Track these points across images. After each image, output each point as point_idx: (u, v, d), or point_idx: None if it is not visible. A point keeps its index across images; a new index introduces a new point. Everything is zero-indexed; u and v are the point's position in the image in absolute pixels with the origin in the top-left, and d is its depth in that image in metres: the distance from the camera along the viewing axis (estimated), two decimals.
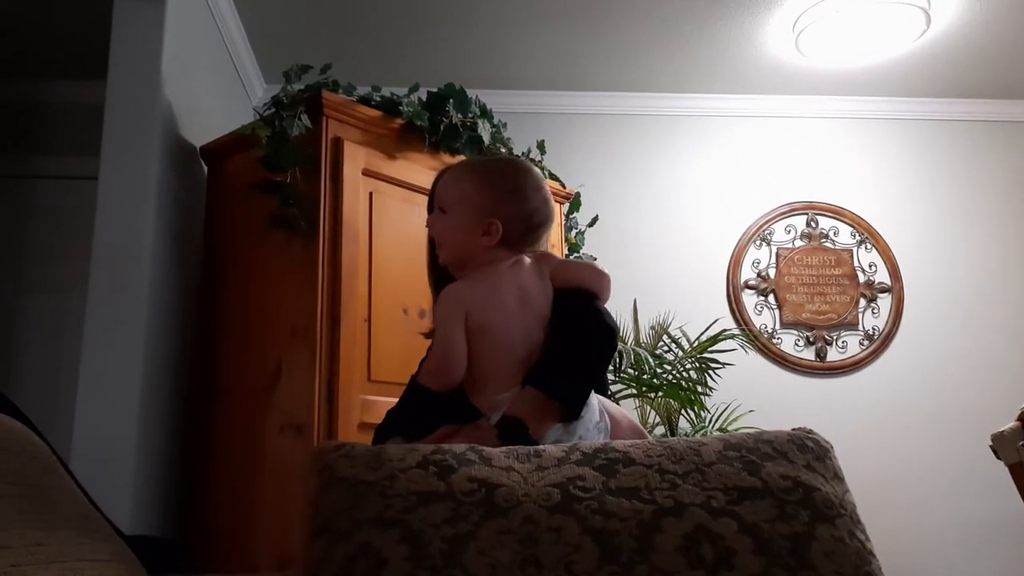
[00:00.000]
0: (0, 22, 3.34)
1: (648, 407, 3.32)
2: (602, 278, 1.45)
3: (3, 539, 0.67)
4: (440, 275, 1.59)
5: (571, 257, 3.14)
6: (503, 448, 1.09)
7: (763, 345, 3.85)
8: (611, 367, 3.13)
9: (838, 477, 1.09)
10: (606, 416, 1.38)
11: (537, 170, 1.45)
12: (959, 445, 3.74)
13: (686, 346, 3.40)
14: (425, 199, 2.73)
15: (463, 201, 1.41)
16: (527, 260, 1.42)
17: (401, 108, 2.72)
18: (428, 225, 1.49)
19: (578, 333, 1.35)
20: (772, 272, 3.98)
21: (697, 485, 1.01)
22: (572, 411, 1.30)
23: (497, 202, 1.39)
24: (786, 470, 1.05)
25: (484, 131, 2.81)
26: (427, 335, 1.67)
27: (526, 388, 1.29)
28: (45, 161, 3.69)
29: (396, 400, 2.52)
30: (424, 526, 0.94)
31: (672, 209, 4.00)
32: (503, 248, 1.38)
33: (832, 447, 1.14)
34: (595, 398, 1.37)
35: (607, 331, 1.38)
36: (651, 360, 3.20)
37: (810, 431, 1.16)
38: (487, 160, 1.50)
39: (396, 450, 1.07)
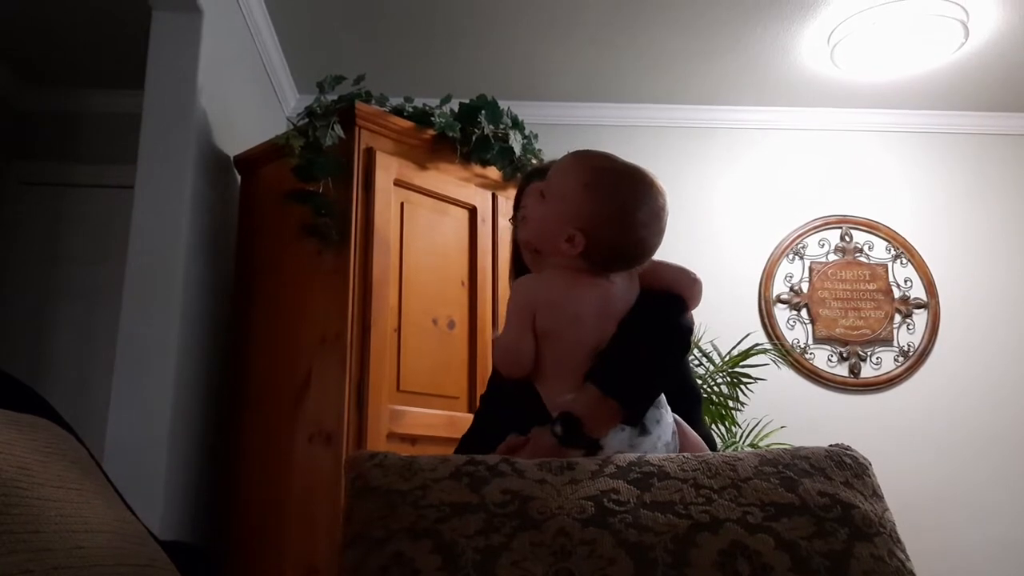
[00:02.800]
0: (39, 32, 3.40)
1: None
2: (693, 283, 1.37)
3: (45, 542, 0.67)
4: (520, 264, 1.54)
5: None
6: (536, 461, 1.08)
7: (795, 360, 3.81)
8: None
9: (877, 495, 1.07)
10: (677, 438, 1.29)
11: (662, 195, 1.28)
12: (997, 464, 3.67)
13: (717, 360, 3.37)
14: (456, 209, 2.77)
15: (562, 197, 1.26)
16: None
17: (433, 119, 2.74)
18: (529, 195, 1.38)
19: (644, 332, 1.27)
20: (805, 286, 3.94)
21: (733, 500, 0.99)
22: (632, 412, 1.23)
23: (594, 218, 1.23)
24: (824, 487, 1.03)
25: (515, 142, 2.81)
26: None
27: (586, 385, 1.22)
28: (81, 169, 3.75)
29: (424, 411, 2.54)
30: (457, 537, 0.94)
31: (704, 222, 3.97)
32: (580, 261, 1.24)
33: (871, 464, 1.13)
34: (671, 417, 1.29)
35: (678, 331, 1.32)
36: None
37: (848, 447, 1.14)
38: (609, 167, 1.28)
39: (428, 460, 1.07)
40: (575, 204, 1.24)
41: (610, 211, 1.24)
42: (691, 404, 1.50)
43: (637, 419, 1.23)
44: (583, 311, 1.25)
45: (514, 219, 1.63)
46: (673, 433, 1.28)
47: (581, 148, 1.34)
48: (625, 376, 1.23)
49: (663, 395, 1.30)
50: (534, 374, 1.27)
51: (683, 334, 1.34)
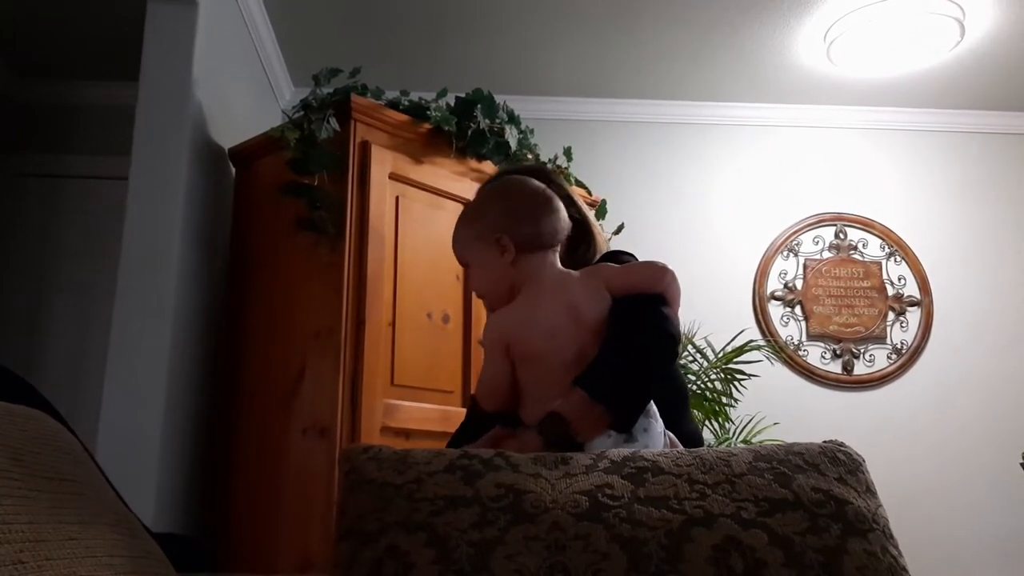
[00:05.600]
0: (34, 24, 3.39)
1: None
2: (663, 275, 1.35)
3: (37, 533, 0.67)
4: None
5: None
6: (530, 455, 1.08)
7: (789, 357, 3.82)
8: None
9: (870, 491, 1.08)
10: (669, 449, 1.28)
11: (515, 178, 1.45)
12: (988, 462, 3.68)
13: (711, 356, 3.37)
14: (451, 203, 2.77)
15: (469, 242, 1.39)
16: (575, 274, 1.36)
17: (429, 113, 2.73)
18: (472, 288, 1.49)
19: (629, 337, 1.27)
20: (799, 283, 3.94)
21: (727, 496, 0.99)
22: (620, 419, 1.23)
23: (491, 220, 1.37)
24: (817, 483, 1.03)
25: (511, 137, 2.81)
26: None
27: (573, 390, 1.23)
28: (76, 161, 3.74)
29: (418, 405, 2.54)
30: (451, 530, 0.93)
31: (699, 218, 3.98)
32: (528, 256, 1.33)
33: (864, 460, 1.13)
34: (662, 427, 1.29)
35: (664, 336, 1.31)
36: None
37: (842, 444, 1.15)
38: (471, 201, 1.48)
39: (423, 454, 1.07)
40: (480, 230, 1.37)
41: (493, 210, 1.38)
42: (679, 403, 1.50)
43: (627, 427, 1.24)
44: (556, 323, 1.28)
45: None
46: (665, 445, 1.28)
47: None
48: (614, 382, 1.24)
49: (653, 404, 1.29)
50: (518, 402, 1.30)
51: (670, 338, 1.33)
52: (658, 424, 1.29)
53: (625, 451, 1.09)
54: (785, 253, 3.97)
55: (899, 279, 3.96)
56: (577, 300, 1.30)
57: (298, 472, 2.44)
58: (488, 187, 1.47)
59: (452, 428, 1.62)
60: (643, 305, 1.32)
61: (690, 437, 1.39)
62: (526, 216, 1.36)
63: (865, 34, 3.34)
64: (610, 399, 1.23)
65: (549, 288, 1.31)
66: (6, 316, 3.56)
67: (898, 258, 3.99)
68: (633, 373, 1.27)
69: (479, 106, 2.79)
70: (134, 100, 2.58)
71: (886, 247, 4.00)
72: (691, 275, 3.84)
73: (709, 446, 3.11)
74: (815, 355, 3.86)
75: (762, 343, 3.53)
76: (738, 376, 3.25)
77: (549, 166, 2.89)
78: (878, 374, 3.84)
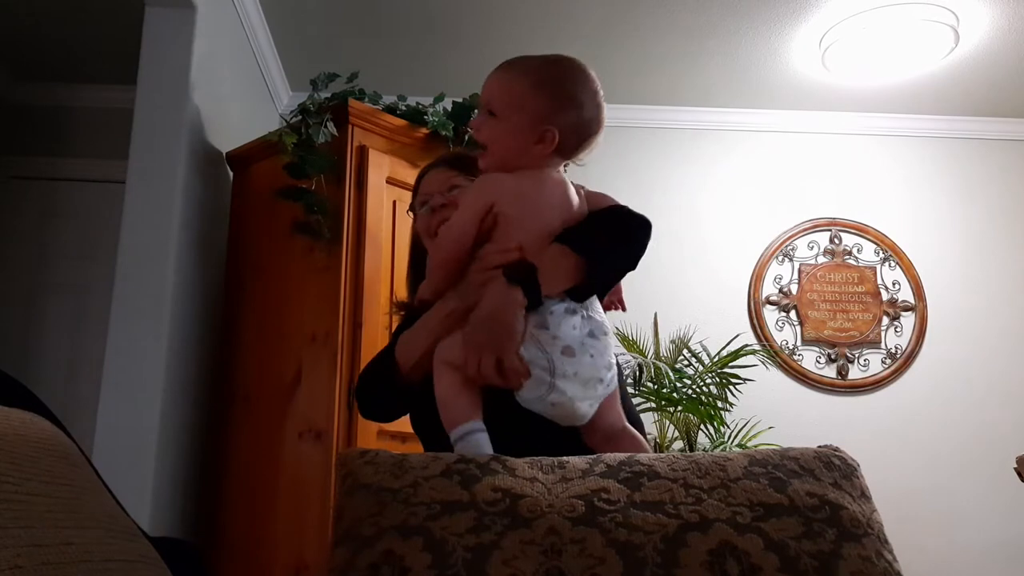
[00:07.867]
0: (32, 27, 3.38)
1: (667, 421, 3.30)
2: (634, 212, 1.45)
3: (34, 537, 0.67)
4: (419, 268, 1.56)
5: None
6: (527, 459, 1.08)
7: (784, 361, 3.82)
8: (631, 379, 3.12)
9: (865, 496, 1.08)
10: (616, 383, 1.30)
11: (592, 72, 1.34)
12: (982, 467, 3.69)
13: (706, 361, 3.38)
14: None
15: (517, 105, 1.29)
16: (568, 179, 1.39)
17: (426, 117, 2.74)
18: (474, 128, 1.36)
19: (610, 215, 1.37)
20: (794, 288, 3.95)
21: (723, 500, 0.99)
22: (588, 277, 1.26)
23: (554, 109, 1.28)
24: (812, 487, 1.04)
25: None
26: (399, 307, 1.63)
27: (552, 244, 1.27)
28: (73, 164, 3.73)
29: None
30: (447, 535, 0.94)
31: (694, 223, 3.98)
32: (554, 157, 1.31)
33: (859, 465, 1.13)
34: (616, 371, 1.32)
35: (640, 219, 1.40)
36: (671, 374, 3.18)
37: (837, 448, 1.15)
38: (542, 62, 1.34)
39: (419, 458, 1.07)
40: (534, 105, 1.29)
41: (563, 98, 1.30)
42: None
43: (586, 293, 1.27)
44: (553, 201, 1.31)
45: (414, 208, 1.65)
46: (613, 376, 1.28)
47: None
48: (592, 240, 1.29)
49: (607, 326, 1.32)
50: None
51: (645, 220, 1.40)
52: (612, 346, 1.32)
53: (621, 456, 1.09)
54: (780, 258, 3.98)
55: (893, 284, 3.97)
56: (570, 195, 1.35)
57: (294, 476, 2.43)
58: (573, 65, 1.33)
59: None
60: (615, 206, 1.41)
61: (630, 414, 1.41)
62: (586, 133, 1.32)
63: (860, 40, 3.36)
64: (586, 251, 1.27)
65: (552, 178, 1.33)
66: (2, 318, 3.56)
67: (892, 263, 4.00)
68: (608, 237, 1.32)
69: (476, 111, 2.80)
70: (131, 104, 2.58)
71: (880, 252, 4.01)
72: (686, 280, 3.86)
73: (704, 450, 3.12)
74: (810, 359, 3.87)
75: (757, 347, 3.53)
76: (733, 380, 3.25)
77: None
78: (872, 379, 3.85)
